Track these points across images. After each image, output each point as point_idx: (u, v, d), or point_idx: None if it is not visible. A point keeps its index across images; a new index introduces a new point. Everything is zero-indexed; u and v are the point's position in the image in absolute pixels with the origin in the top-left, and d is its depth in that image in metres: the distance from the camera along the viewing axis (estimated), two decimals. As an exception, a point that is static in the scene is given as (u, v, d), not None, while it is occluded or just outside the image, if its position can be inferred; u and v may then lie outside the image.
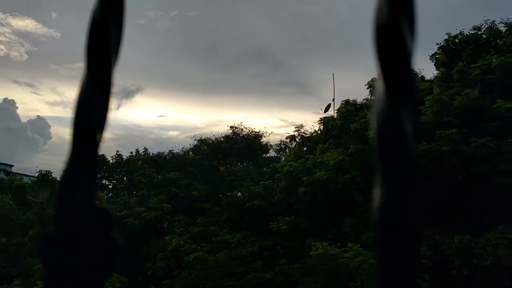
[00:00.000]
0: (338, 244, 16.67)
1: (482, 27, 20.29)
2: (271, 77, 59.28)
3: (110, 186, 34.20)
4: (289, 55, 62.03)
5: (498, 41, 19.64)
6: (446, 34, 21.19)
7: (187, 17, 63.12)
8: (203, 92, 62.07)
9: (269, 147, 34.10)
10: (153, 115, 70.75)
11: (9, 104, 65.20)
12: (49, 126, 68.32)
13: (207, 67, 61.22)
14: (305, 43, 61.15)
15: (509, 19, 20.06)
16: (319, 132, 24.33)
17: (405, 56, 0.49)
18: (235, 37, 61.84)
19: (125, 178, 33.45)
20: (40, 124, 66.86)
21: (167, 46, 63.89)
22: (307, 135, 25.46)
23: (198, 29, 62.91)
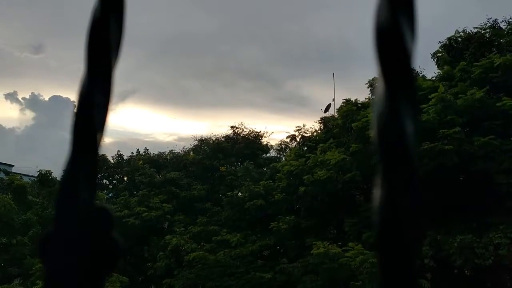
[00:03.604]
0: (340, 243, 16.67)
1: (485, 25, 20.24)
2: (269, 91, 60.57)
3: (111, 186, 34.22)
4: (284, 71, 63.54)
5: (501, 40, 19.60)
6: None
7: (188, 34, 63.98)
8: (201, 103, 63.00)
9: (269, 147, 34.10)
10: (150, 122, 71.26)
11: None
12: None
13: (208, 82, 62.07)
14: (295, 58, 62.65)
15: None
16: (319, 131, 24.30)
17: (406, 56, 0.49)
18: (234, 54, 62.88)
19: (125, 178, 33.47)
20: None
21: (165, 55, 64.55)
22: (308, 135, 25.44)
23: (199, 46, 63.84)
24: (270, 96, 61.90)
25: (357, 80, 58.55)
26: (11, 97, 72.18)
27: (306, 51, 63.99)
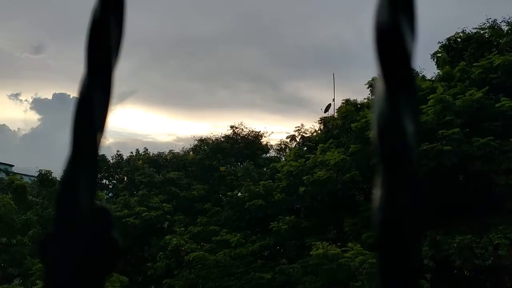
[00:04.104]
0: (339, 244, 16.67)
1: (484, 26, 20.24)
2: (269, 93, 60.90)
3: (110, 186, 34.20)
4: (284, 73, 64.05)
5: (500, 40, 19.59)
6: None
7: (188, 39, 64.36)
8: (201, 105, 63.26)
9: (269, 147, 34.10)
10: (149, 123, 71.45)
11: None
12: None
13: (208, 84, 62.35)
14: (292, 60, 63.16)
15: (512, 18, 20.03)
16: (319, 132, 24.30)
17: (405, 56, 0.49)
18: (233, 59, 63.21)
19: (125, 178, 33.45)
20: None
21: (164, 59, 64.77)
22: (307, 135, 25.44)
23: (199, 48, 64.20)
24: (270, 98, 62.30)
25: (356, 82, 59.10)
26: (15, 97, 72.49)
27: (305, 54, 64.49)
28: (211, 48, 64.78)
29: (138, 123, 72.15)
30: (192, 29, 65.97)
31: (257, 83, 63.33)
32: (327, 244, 16.65)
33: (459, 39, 20.82)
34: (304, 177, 19.41)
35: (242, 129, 34.10)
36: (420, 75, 20.99)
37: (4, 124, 72.36)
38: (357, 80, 64.23)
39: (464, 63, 18.69)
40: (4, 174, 27.78)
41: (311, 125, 26.25)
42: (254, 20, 69.14)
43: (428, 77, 21.04)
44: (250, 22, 69.35)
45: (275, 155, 33.73)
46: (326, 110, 26.78)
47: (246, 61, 61.93)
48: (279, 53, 63.35)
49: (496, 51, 18.52)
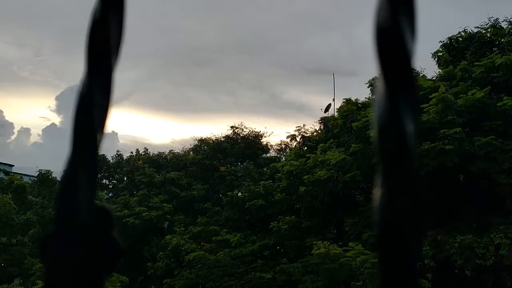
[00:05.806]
0: (340, 243, 16.67)
1: (486, 25, 20.21)
2: (269, 99, 61.39)
3: (110, 186, 34.22)
4: (284, 80, 64.58)
5: (502, 39, 19.57)
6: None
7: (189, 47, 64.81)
8: (202, 110, 63.66)
9: (269, 147, 34.10)
10: (148, 126, 71.67)
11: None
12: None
13: (209, 91, 62.72)
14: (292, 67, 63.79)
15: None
16: (319, 131, 24.29)
17: (406, 56, 0.49)
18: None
19: (125, 178, 33.46)
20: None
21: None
22: (308, 135, 25.42)
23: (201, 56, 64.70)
24: (270, 105, 62.90)
25: (355, 85, 59.68)
26: (31, 100, 72.66)
27: (305, 60, 65.14)
28: (212, 57, 65.43)
29: (135, 126, 72.62)
30: (193, 39, 66.61)
31: (257, 90, 63.80)
32: (328, 243, 16.64)
33: (460, 38, 20.79)
34: (305, 177, 19.39)
35: (242, 129, 34.12)
36: (421, 74, 20.97)
37: (28, 128, 73.00)
38: (356, 83, 64.72)
39: (466, 62, 18.67)
40: (3, 174, 27.77)
41: (311, 125, 26.25)
42: (255, 30, 69.85)
43: (429, 76, 21.01)
44: (251, 32, 70.02)
45: (275, 155, 33.77)
46: (326, 110, 26.78)
47: (246, 69, 62.48)
48: (279, 61, 64.00)
49: (498, 51, 18.51)
